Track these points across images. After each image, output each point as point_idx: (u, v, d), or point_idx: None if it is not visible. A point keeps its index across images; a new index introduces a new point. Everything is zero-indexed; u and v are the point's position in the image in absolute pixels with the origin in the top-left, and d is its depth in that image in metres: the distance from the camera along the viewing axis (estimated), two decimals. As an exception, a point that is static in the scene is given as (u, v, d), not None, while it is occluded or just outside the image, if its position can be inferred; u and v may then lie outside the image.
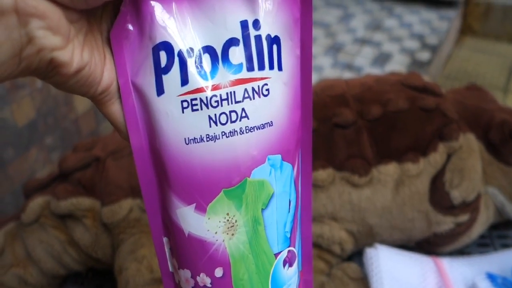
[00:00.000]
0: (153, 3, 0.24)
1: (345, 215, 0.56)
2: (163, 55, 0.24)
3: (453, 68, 1.76)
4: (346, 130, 0.57)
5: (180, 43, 0.24)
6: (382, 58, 1.60)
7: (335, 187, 0.55)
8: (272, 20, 0.25)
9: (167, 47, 0.24)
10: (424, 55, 1.60)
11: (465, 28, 1.99)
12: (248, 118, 0.25)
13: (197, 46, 0.24)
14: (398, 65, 1.54)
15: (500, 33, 1.95)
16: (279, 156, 0.26)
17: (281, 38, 0.26)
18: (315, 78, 1.41)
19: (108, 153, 0.59)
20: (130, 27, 0.24)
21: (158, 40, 0.24)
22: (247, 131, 0.25)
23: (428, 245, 0.58)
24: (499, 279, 0.51)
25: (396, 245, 0.57)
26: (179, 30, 0.24)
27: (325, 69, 1.55)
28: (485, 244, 0.62)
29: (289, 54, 0.26)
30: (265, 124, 0.25)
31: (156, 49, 0.24)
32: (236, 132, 0.25)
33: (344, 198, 0.55)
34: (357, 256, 0.60)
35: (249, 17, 0.25)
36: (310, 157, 0.29)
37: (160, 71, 0.24)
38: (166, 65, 0.24)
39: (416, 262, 0.53)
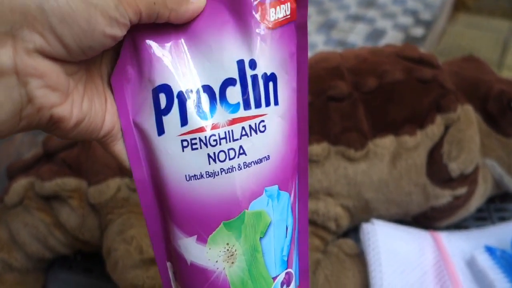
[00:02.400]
0: (151, 45, 0.24)
1: (341, 190, 0.54)
2: (162, 97, 0.25)
3: (447, 43, 1.74)
4: (341, 103, 0.55)
5: (179, 84, 0.25)
6: (376, 35, 1.58)
7: (330, 161, 0.53)
8: (268, 58, 0.26)
9: (166, 89, 0.24)
10: (418, 31, 1.58)
11: (459, 3, 1.97)
12: (245, 155, 0.26)
13: (196, 86, 0.25)
14: (391, 41, 1.52)
15: (493, 8, 1.93)
16: (276, 187, 0.27)
17: (277, 74, 0.26)
18: (308, 55, 1.39)
19: (94, 131, 0.57)
20: (130, 70, 0.25)
21: (158, 83, 0.24)
22: (245, 166, 0.26)
23: (425, 219, 0.57)
24: (498, 251, 0.50)
25: (393, 220, 0.56)
26: (178, 71, 0.25)
27: (318, 46, 1.53)
28: (482, 218, 0.61)
29: (285, 88, 0.27)
30: (262, 158, 0.26)
31: (156, 91, 0.24)
32: (234, 168, 0.26)
33: (339, 173, 0.54)
34: (352, 232, 0.59)
35: (245, 57, 0.25)
36: (306, 181, 0.30)
37: (160, 112, 0.25)
38: (166, 106, 0.25)
39: (414, 236, 0.51)
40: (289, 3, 0.26)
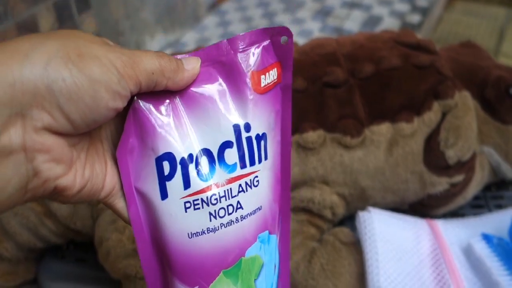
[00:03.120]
0: (153, 116, 0.25)
1: (337, 178, 0.54)
2: (166, 165, 0.26)
3: (444, 31, 1.72)
4: (337, 89, 0.54)
5: (181, 151, 0.26)
6: (372, 22, 1.56)
7: (326, 149, 0.53)
8: (259, 120, 0.28)
9: (169, 157, 0.26)
10: (415, 18, 1.56)
11: (456, -10, 1.95)
12: (242, 208, 0.28)
13: (196, 150, 0.26)
14: (388, 28, 1.50)
15: (490, -5, 1.91)
16: (266, 232, 0.29)
17: (267, 132, 0.29)
18: (303, 42, 1.38)
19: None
20: (133, 141, 0.26)
21: (161, 152, 0.26)
22: (242, 219, 0.28)
23: (422, 207, 0.56)
24: (495, 239, 0.49)
25: (389, 208, 0.56)
26: (179, 138, 0.26)
27: (314, 33, 1.51)
28: (479, 206, 0.60)
29: (272, 143, 0.30)
30: (256, 209, 0.28)
31: (159, 159, 0.26)
32: (232, 222, 0.27)
33: (335, 160, 0.53)
34: (348, 221, 0.58)
35: (240, 121, 0.27)
36: (289, 222, 0.33)
37: (163, 179, 0.26)
38: (169, 173, 0.26)
39: (410, 224, 0.51)
40: (276, 68, 0.28)
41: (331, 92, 0.54)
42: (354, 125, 0.52)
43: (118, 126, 0.26)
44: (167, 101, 0.26)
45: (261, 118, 0.28)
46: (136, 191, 0.27)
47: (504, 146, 0.56)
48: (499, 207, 0.60)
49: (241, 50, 0.27)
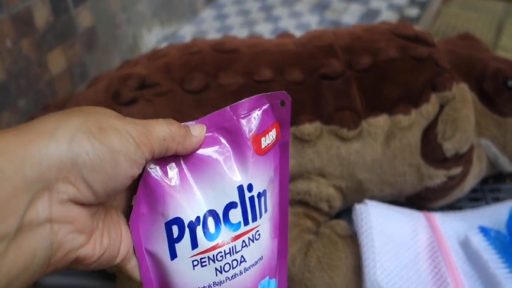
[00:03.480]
0: (162, 183, 0.27)
1: (333, 171, 0.53)
2: (175, 229, 0.27)
3: (442, 24, 1.72)
4: (334, 81, 0.53)
5: (189, 215, 0.27)
6: (370, 15, 1.55)
7: (322, 141, 0.52)
8: (260, 179, 0.30)
9: (178, 221, 0.27)
10: (413, 11, 1.56)
11: (454, -16, 1.94)
12: (245, 261, 0.29)
13: (202, 212, 0.28)
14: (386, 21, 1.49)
15: (489, -11, 1.91)
16: (267, 278, 0.31)
17: (267, 189, 0.30)
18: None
19: (80, 111, 0.55)
20: (144, 208, 0.27)
21: (171, 217, 0.27)
22: (245, 271, 0.29)
23: (419, 200, 0.56)
24: (492, 232, 0.49)
25: (386, 201, 0.55)
26: (187, 202, 0.28)
27: (312, 26, 1.50)
28: (476, 199, 0.60)
29: (271, 195, 0.31)
30: (257, 260, 0.30)
31: (169, 224, 0.27)
32: (237, 275, 0.29)
33: (332, 153, 0.53)
34: (345, 213, 0.58)
35: (244, 182, 0.29)
36: (286, 261, 0.34)
37: (173, 241, 0.28)
38: (178, 236, 0.28)
39: (408, 217, 0.51)
40: (275, 129, 0.30)
41: (328, 84, 0.53)
42: (351, 117, 0.52)
43: (128, 192, 0.28)
44: (175, 167, 0.28)
45: (262, 177, 0.30)
46: (147, 252, 0.28)
47: (502, 138, 0.55)
48: (497, 200, 0.59)
49: (243, 116, 0.29)
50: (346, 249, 0.49)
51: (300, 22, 1.54)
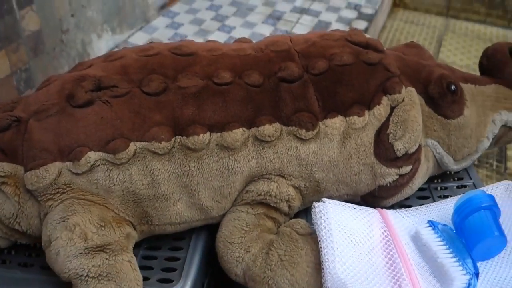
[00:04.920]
0: None
1: (293, 171, 0.55)
2: None
3: (388, 37, 1.81)
4: (292, 84, 0.55)
5: None
6: (321, 27, 1.61)
7: (282, 142, 0.54)
8: None
9: None
10: (361, 24, 1.63)
11: (398, 1, 2.06)
12: None
13: None
14: (336, 33, 1.55)
15: (429, 6, 2.04)
16: None
17: None
18: (255, 44, 1.40)
19: (31, 113, 0.52)
20: None
21: None
22: None
23: (372, 199, 0.59)
24: (439, 225, 0.53)
25: (343, 200, 0.57)
26: None
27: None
28: (424, 197, 0.64)
29: None
30: None
31: None
32: None
33: (291, 153, 0.54)
34: (303, 214, 0.60)
35: None
36: None
37: None
38: None
39: (363, 213, 0.53)
40: None
41: (286, 87, 0.55)
42: (309, 118, 0.54)
43: None
44: None
45: None
46: None
47: (447, 139, 0.59)
48: (443, 197, 0.63)
49: None
50: (306, 246, 0.51)
51: (253, 32, 1.57)
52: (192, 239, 0.59)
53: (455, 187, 0.65)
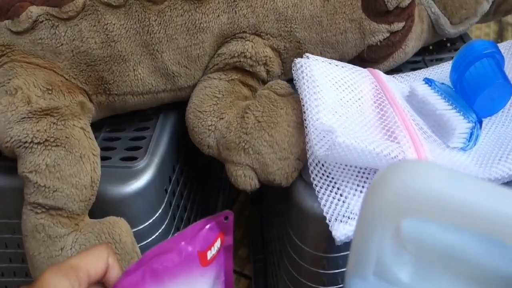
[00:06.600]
0: None
1: (270, 28, 0.48)
2: None
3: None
4: None
5: None
6: None
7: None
8: (208, 285, 0.33)
9: None
10: None
11: None
12: None
13: None
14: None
15: None
16: None
17: None
18: None
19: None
20: None
21: None
22: None
23: (361, 63, 0.52)
24: (436, 82, 0.47)
25: (328, 66, 0.51)
26: None
27: None
28: (419, 68, 0.58)
29: None
30: None
31: None
32: None
33: (268, 7, 0.47)
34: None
35: None
36: None
37: None
38: None
39: (352, 69, 0.46)
40: (219, 239, 0.33)
41: None
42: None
43: None
44: None
45: (209, 281, 0.32)
46: None
47: (443, -4, 0.53)
48: (438, 70, 0.57)
49: (189, 240, 0.31)
50: (287, 105, 0.44)
51: None
52: (159, 119, 0.52)
53: (451, 59, 0.59)
